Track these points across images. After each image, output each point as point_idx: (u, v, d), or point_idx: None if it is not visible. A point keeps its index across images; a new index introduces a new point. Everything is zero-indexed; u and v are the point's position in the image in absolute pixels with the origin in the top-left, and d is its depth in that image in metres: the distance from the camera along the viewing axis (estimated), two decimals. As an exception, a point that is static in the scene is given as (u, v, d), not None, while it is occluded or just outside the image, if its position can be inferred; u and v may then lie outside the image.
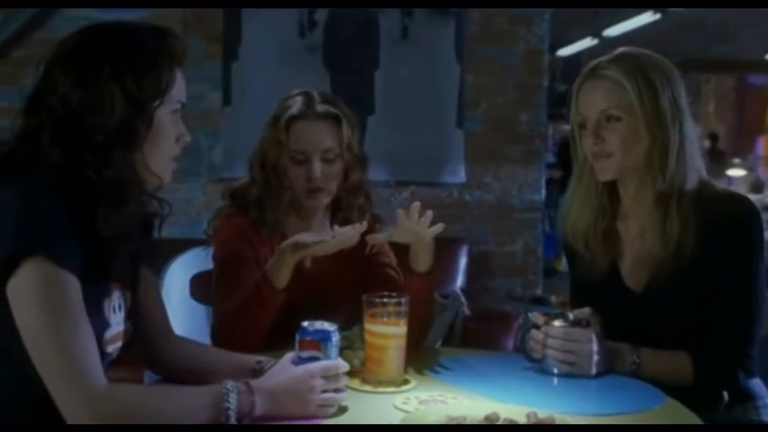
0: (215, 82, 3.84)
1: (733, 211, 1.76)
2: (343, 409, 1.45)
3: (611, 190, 1.87)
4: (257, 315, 1.80)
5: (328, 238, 1.79)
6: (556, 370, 1.72)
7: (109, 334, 1.40)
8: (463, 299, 3.70)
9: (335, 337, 1.46)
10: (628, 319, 1.81)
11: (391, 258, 2.07)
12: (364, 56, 3.94)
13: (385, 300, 1.63)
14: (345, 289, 1.97)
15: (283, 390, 1.39)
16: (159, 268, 1.89)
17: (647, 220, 1.80)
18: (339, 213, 2.05)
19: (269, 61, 3.85)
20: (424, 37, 3.97)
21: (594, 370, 1.70)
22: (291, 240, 1.80)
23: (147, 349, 1.60)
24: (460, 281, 3.87)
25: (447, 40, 4.00)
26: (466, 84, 4.02)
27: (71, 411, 1.24)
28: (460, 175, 4.04)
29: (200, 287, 2.19)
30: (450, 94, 3.99)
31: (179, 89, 1.45)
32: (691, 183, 1.77)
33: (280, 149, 1.93)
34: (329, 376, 1.42)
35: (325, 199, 1.98)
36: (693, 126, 1.79)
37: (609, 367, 1.74)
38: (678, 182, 1.76)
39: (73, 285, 1.26)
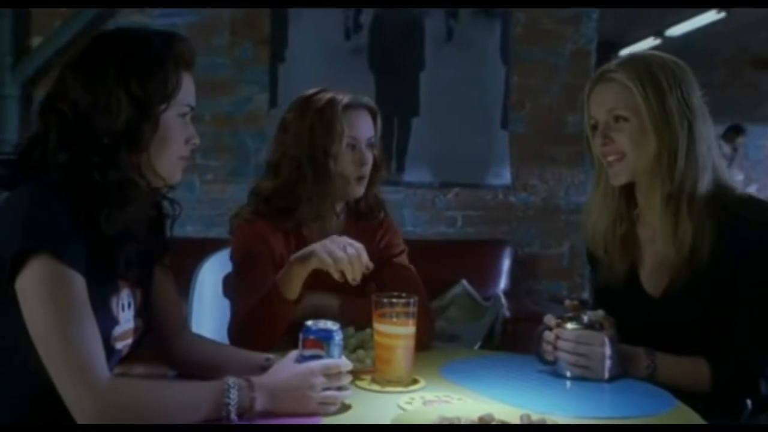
0: (262, 85, 3.91)
1: (751, 217, 1.72)
2: (345, 408, 1.47)
3: (629, 194, 1.85)
4: (269, 323, 1.81)
5: (341, 255, 1.72)
6: (568, 373, 1.71)
7: (118, 331, 1.45)
8: (503, 301, 3.70)
9: (338, 336, 1.48)
10: (648, 325, 1.79)
11: (402, 248, 2.10)
12: (409, 58, 3.97)
13: (394, 300, 1.64)
14: (365, 281, 1.99)
15: (284, 387, 1.41)
16: (182, 267, 1.92)
17: (659, 223, 1.78)
18: (356, 213, 2.07)
19: (315, 63, 3.90)
20: (469, 38, 3.97)
21: (607, 374, 1.69)
22: (299, 253, 1.78)
23: (162, 345, 1.65)
24: (503, 284, 3.86)
25: (492, 42, 3.99)
26: (511, 85, 4.00)
27: (75, 403, 1.29)
28: (504, 176, 4.03)
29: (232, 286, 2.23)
30: (495, 95, 3.98)
31: (188, 93, 1.49)
32: (703, 185, 1.73)
33: (339, 136, 1.95)
34: (331, 374, 1.44)
35: (363, 190, 2.03)
36: (707, 126, 1.76)
37: (623, 371, 1.72)
38: (689, 184, 1.73)
39: (78, 282, 1.31)
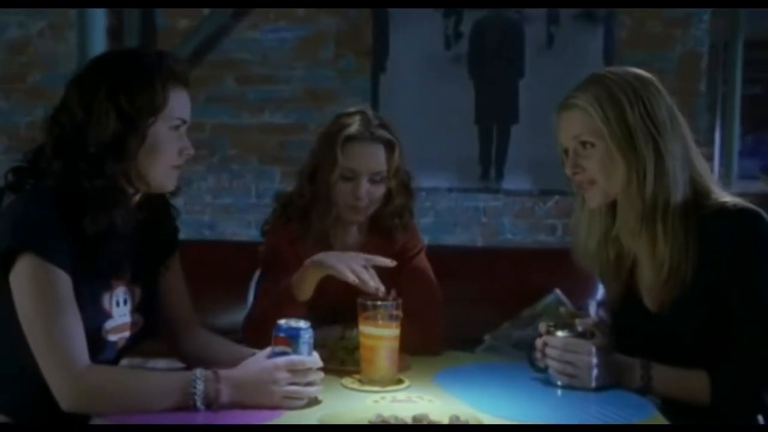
0: (364, 95, 4.02)
1: (730, 227, 1.64)
2: (314, 403, 1.54)
3: (614, 214, 1.79)
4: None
5: (355, 265, 1.80)
6: (559, 382, 1.70)
7: (111, 324, 1.60)
8: (591, 311, 3.62)
9: (306, 335, 1.56)
10: (649, 340, 1.75)
11: (418, 249, 2.13)
12: (508, 65, 3.96)
13: (378, 303, 1.70)
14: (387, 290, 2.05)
15: (250, 380, 1.51)
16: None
17: (636, 245, 1.73)
18: (380, 226, 2.11)
19: (415, 72, 3.98)
20: (570, 44, 3.91)
21: (594, 383, 1.67)
22: (315, 258, 1.86)
23: (170, 339, 1.80)
24: (597, 294, 3.78)
25: (594, 46, 3.91)
26: (615, 91, 3.90)
27: (56, 387, 1.46)
28: (606, 184, 3.92)
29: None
30: (597, 101, 3.89)
31: (179, 107, 1.62)
32: (677, 201, 1.67)
33: (333, 165, 2.00)
34: (295, 370, 1.52)
35: (363, 215, 2.06)
36: (678, 137, 1.68)
37: (615, 381, 1.69)
38: (661, 203, 1.67)
39: (61, 278, 1.47)
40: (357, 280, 1.76)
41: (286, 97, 4.06)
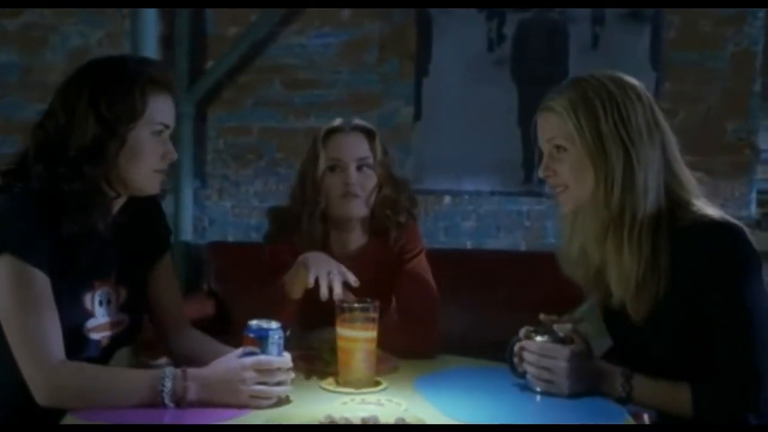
0: (407, 99, 4.03)
1: (705, 241, 1.58)
2: (283, 402, 1.56)
3: None
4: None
5: (335, 271, 1.83)
6: (538, 388, 1.68)
7: (93, 323, 1.66)
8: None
9: (276, 335, 1.58)
10: (635, 349, 1.71)
11: (417, 251, 2.13)
12: (552, 67, 3.90)
13: (354, 305, 1.71)
14: (386, 294, 2.05)
15: (217, 379, 1.54)
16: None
17: (604, 253, 1.68)
18: (375, 227, 2.12)
19: (458, 76, 3.96)
20: (616, 44, 3.83)
21: (568, 390, 1.64)
22: (302, 256, 1.89)
23: (161, 338, 1.85)
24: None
25: (641, 47, 3.82)
26: (662, 92, 3.80)
27: (30, 379, 1.52)
28: (653, 187, 3.82)
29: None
30: (643, 103, 3.79)
31: (162, 112, 1.66)
32: (646, 212, 1.61)
33: (317, 161, 2.08)
34: (262, 370, 1.54)
35: (359, 208, 2.07)
36: (656, 149, 1.63)
37: (593, 389, 1.66)
38: (628, 212, 1.62)
39: (38, 278, 1.54)
40: (312, 285, 1.79)
41: (331, 101, 4.09)
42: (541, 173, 1.72)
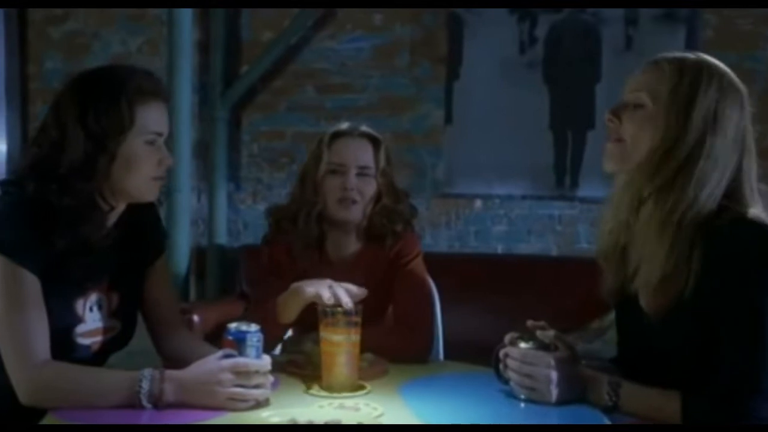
0: (438, 102, 4.01)
1: (736, 240, 1.52)
2: (262, 405, 1.57)
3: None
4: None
5: (327, 293, 1.79)
6: (522, 395, 1.65)
7: (83, 328, 1.69)
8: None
9: (254, 338, 1.58)
10: (644, 344, 1.67)
11: (414, 255, 2.11)
12: (585, 69, 3.84)
13: (337, 309, 1.71)
14: (383, 301, 2.05)
15: (194, 380, 1.55)
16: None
17: (649, 249, 1.62)
18: (372, 233, 2.12)
19: (489, 79, 3.93)
20: (649, 46, 3.73)
21: (554, 397, 1.61)
22: (294, 287, 1.88)
23: (156, 341, 1.87)
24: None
25: (676, 48, 3.70)
26: (698, 93, 3.70)
27: (14, 377, 1.56)
28: (688, 191, 3.73)
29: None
30: (677, 105, 3.70)
31: (153, 121, 1.67)
32: (698, 209, 1.55)
33: (319, 162, 2.08)
34: (239, 372, 1.55)
35: (356, 213, 2.07)
36: (728, 150, 1.58)
37: (580, 396, 1.62)
38: (682, 206, 1.55)
39: (28, 280, 1.57)
40: (333, 299, 1.77)
41: (363, 105, 4.10)
42: (607, 114, 1.66)
